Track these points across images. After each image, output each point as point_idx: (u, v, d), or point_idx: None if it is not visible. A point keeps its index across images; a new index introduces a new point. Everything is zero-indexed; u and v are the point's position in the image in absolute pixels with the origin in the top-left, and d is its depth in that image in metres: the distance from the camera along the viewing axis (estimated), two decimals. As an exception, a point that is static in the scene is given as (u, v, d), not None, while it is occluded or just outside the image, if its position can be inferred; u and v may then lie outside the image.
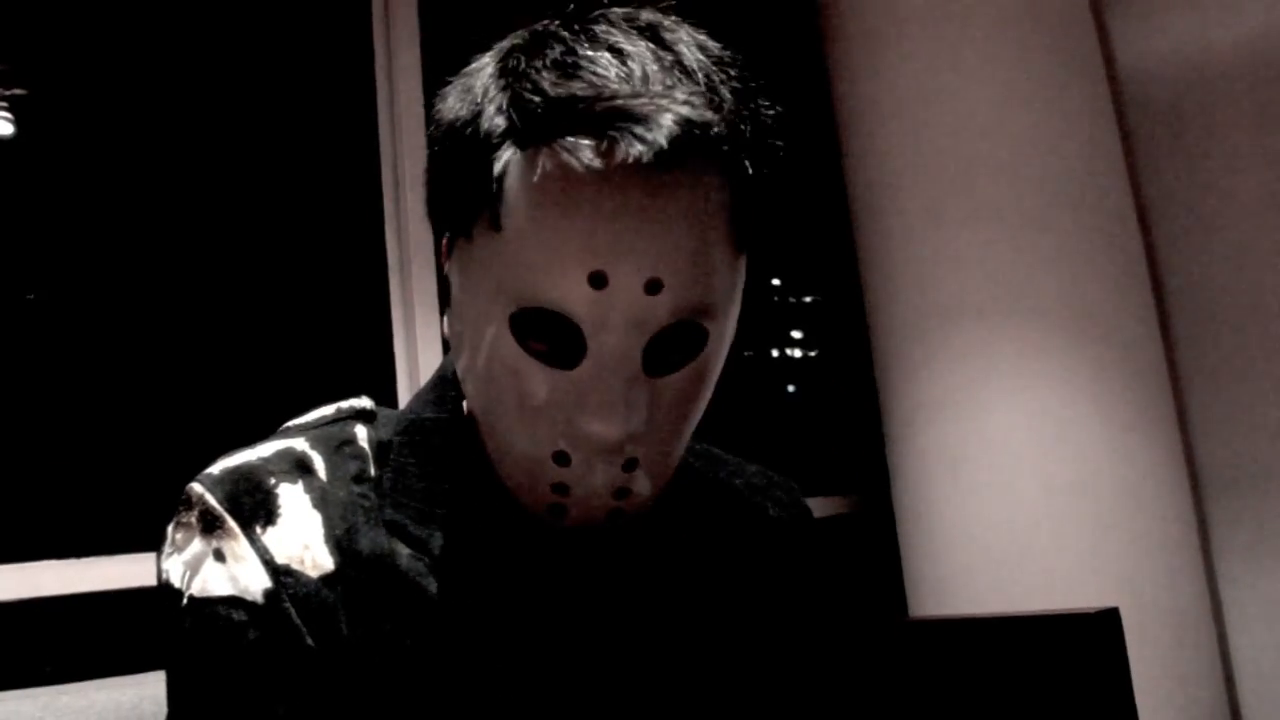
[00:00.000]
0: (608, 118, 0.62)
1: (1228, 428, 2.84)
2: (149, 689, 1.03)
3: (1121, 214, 2.59)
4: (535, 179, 0.64)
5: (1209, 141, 2.91)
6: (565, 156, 0.63)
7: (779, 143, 0.70)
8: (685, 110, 0.62)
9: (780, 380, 3.19)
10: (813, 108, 2.98)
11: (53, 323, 1.91)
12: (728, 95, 0.67)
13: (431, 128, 0.72)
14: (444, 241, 0.74)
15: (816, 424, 3.16)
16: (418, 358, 2.28)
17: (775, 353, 3.17)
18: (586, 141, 0.62)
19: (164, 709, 1.01)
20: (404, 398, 2.26)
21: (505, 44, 0.71)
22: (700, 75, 0.66)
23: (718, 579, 0.79)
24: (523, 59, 0.67)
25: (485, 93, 0.68)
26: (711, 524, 0.82)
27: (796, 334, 3.23)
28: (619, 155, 0.62)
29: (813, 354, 3.26)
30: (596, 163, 0.62)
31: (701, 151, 0.64)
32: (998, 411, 2.44)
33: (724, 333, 0.71)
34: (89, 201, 1.98)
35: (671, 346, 0.68)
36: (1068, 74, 2.56)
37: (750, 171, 0.67)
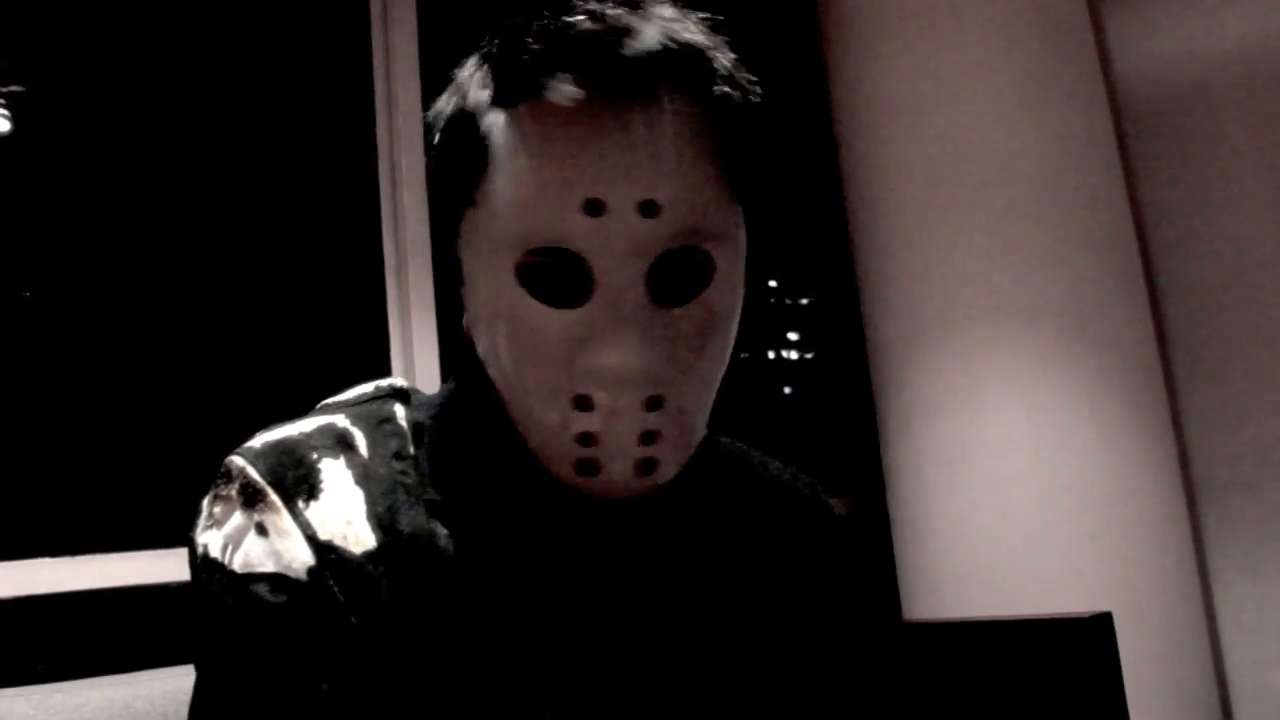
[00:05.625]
0: (579, 48, 0.65)
1: (1222, 432, 2.85)
2: (142, 687, 1.03)
3: (1117, 216, 2.59)
4: (521, 124, 0.67)
5: (1205, 144, 2.92)
6: (545, 94, 0.65)
7: (755, 79, 0.72)
8: (659, 26, 0.66)
9: (776, 381, 3.19)
10: (810, 108, 2.98)
11: (50, 320, 1.90)
12: (699, 32, 0.69)
13: (428, 134, 0.74)
14: (455, 238, 0.75)
15: (812, 425, 3.16)
16: (414, 357, 2.29)
17: (771, 354, 3.17)
18: (563, 75, 0.65)
19: (158, 707, 1.01)
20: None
21: (486, 38, 0.73)
22: (671, 14, 0.69)
23: (743, 564, 0.80)
24: (501, 42, 0.69)
25: (469, 77, 0.71)
26: (741, 508, 0.82)
27: (792, 335, 3.24)
28: (596, 75, 0.64)
29: (809, 355, 3.26)
30: (574, 89, 0.64)
31: (678, 72, 0.66)
32: (993, 414, 2.44)
33: (731, 267, 0.71)
34: (86, 199, 1.98)
35: (678, 276, 0.68)
36: (1065, 76, 2.57)
37: (731, 99, 0.69)
